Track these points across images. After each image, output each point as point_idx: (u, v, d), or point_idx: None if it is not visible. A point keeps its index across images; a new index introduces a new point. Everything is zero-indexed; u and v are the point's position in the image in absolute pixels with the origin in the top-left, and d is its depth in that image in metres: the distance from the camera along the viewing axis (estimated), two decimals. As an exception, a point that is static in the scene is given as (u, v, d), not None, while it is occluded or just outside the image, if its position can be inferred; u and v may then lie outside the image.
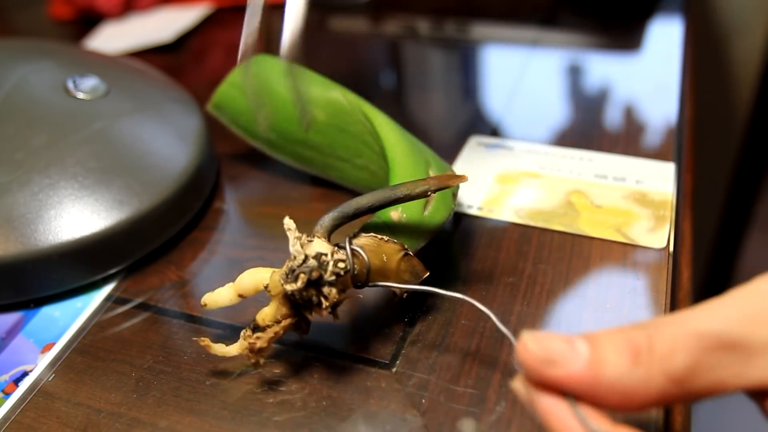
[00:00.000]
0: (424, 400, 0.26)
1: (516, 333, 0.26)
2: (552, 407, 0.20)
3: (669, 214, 0.34)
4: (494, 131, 0.42)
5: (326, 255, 0.25)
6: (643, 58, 0.49)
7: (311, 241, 0.26)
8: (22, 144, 0.34)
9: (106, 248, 0.33)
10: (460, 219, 0.36)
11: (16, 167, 0.34)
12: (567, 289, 0.31)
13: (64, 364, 0.30)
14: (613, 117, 0.43)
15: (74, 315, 0.33)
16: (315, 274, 0.25)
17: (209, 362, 0.29)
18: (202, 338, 0.28)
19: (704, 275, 1.03)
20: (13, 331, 0.32)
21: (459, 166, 0.39)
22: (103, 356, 0.30)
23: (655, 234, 0.33)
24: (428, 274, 0.28)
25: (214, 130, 0.41)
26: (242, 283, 0.27)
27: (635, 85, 0.46)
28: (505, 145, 0.41)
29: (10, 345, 0.31)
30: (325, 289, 0.25)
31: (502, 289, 0.31)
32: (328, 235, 0.27)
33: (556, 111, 0.44)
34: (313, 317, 0.26)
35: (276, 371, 0.28)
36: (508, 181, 0.38)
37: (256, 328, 0.27)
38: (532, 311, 0.30)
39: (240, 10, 0.62)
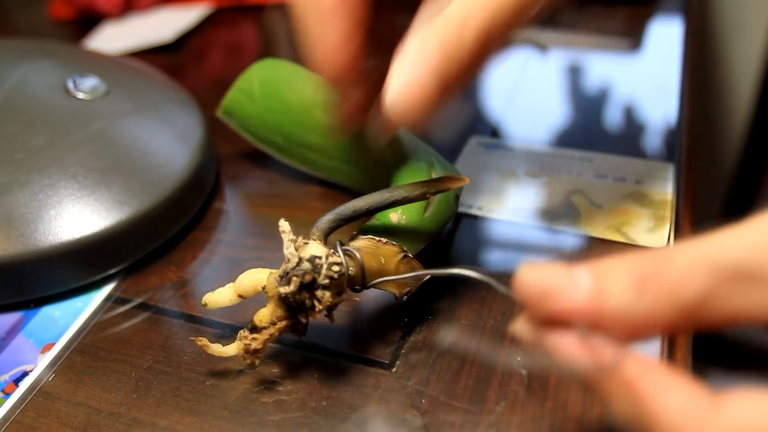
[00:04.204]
0: (424, 400, 0.26)
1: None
2: (561, 341, 0.19)
3: (669, 214, 0.34)
4: (494, 131, 0.42)
5: (320, 258, 0.25)
6: (643, 58, 0.49)
7: (307, 243, 0.26)
8: (22, 144, 0.34)
9: (106, 248, 0.33)
10: (460, 219, 0.36)
11: (16, 167, 0.34)
12: (567, 289, 0.31)
13: (64, 364, 0.30)
14: (613, 117, 0.43)
15: (74, 315, 0.33)
16: (308, 278, 0.24)
17: (209, 362, 0.29)
18: (200, 338, 0.27)
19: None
20: (13, 331, 0.32)
21: (459, 167, 0.39)
22: (103, 356, 0.30)
23: (655, 234, 0.33)
24: (430, 275, 0.28)
25: (214, 130, 0.41)
26: (241, 284, 0.27)
27: (635, 85, 0.46)
28: (505, 145, 0.41)
29: (10, 345, 0.31)
30: (319, 293, 0.25)
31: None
32: (325, 238, 0.27)
33: (556, 111, 0.44)
34: (308, 320, 0.26)
35: (276, 371, 0.28)
36: (508, 181, 0.38)
37: (254, 329, 0.27)
38: (532, 311, 0.30)
39: (240, 10, 0.62)
